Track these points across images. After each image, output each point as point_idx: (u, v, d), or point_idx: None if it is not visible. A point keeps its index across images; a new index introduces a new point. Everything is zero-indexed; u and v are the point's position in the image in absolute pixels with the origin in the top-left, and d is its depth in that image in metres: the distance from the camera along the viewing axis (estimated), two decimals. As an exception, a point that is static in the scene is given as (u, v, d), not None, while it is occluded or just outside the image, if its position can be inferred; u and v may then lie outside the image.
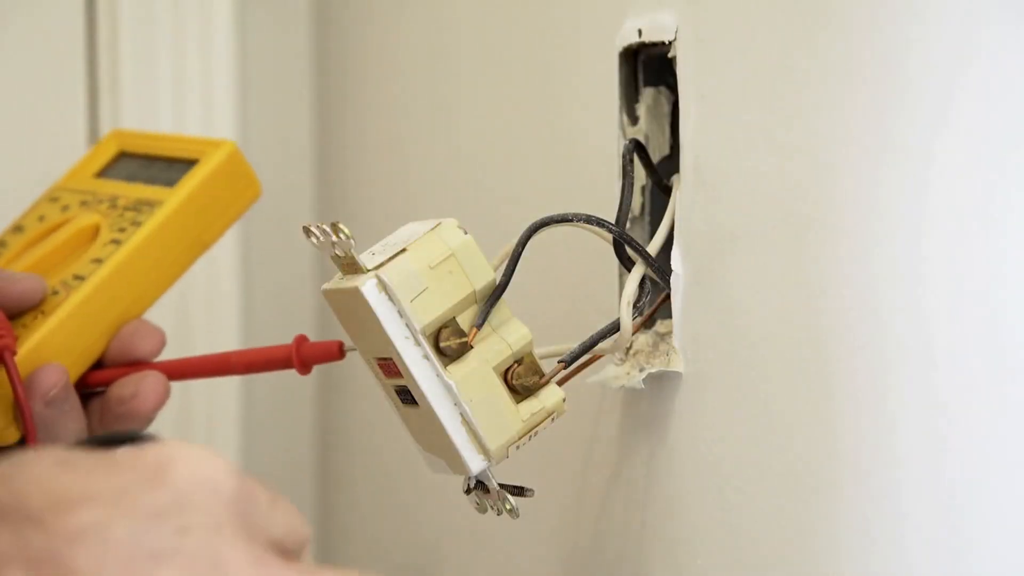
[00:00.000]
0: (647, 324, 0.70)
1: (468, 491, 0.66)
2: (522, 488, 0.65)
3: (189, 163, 0.80)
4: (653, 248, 0.67)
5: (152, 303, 0.78)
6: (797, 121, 0.59)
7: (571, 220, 0.66)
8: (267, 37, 1.18)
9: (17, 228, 0.83)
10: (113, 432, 0.50)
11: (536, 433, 0.65)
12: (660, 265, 0.67)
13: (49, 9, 1.10)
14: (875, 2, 0.55)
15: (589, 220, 0.66)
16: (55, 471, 0.44)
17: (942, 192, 0.54)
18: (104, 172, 0.84)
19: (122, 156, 0.85)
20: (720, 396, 0.64)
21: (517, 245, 0.65)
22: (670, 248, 0.67)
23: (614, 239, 0.66)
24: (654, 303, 0.69)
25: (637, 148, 0.68)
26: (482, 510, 0.66)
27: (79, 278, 0.76)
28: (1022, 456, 0.53)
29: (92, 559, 0.43)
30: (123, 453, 0.45)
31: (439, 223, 0.64)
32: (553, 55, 0.79)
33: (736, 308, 0.63)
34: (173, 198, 0.77)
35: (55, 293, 0.76)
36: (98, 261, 0.76)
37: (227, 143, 0.80)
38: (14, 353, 0.72)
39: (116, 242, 0.76)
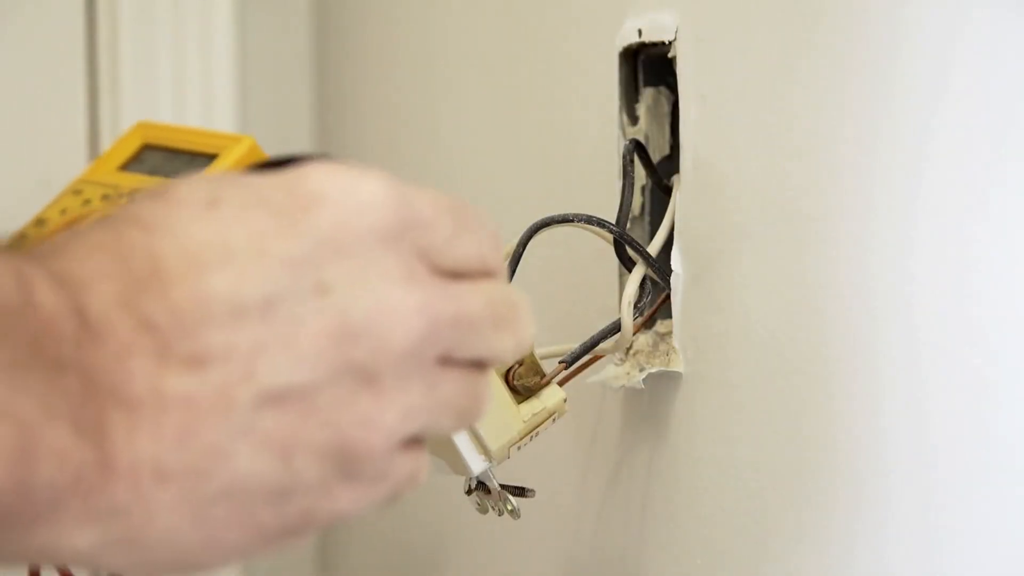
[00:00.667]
0: (647, 324, 0.70)
1: (469, 492, 0.66)
2: (523, 488, 0.65)
3: (209, 158, 0.80)
4: (653, 248, 0.67)
5: None
6: (797, 121, 0.59)
7: (572, 220, 0.66)
8: (267, 37, 1.18)
9: (39, 222, 0.83)
10: (284, 155, 0.48)
11: (537, 434, 0.65)
12: (660, 265, 0.67)
13: (49, 9, 1.10)
14: (875, 2, 0.56)
15: (590, 220, 0.66)
16: (198, 220, 0.43)
17: (941, 192, 0.54)
18: (127, 165, 0.84)
19: (146, 149, 0.84)
20: (720, 396, 0.64)
21: (518, 246, 0.65)
22: (670, 248, 0.67)
23: (615, 239, 0.66)
24: (655, 303, 0.69)
25: (637, 148, 0.68)
26: (483, 511, 0.66)
27: None
28: (1007, 457, 0.53)
29: (218, 334, 0.42)
30: (273, 186, 0.44)
31: None
32: (553, 55, 0.79)
33: (736, 308, 0.63)
34: None
35: None
36: None
37: (246, 139, 0.80)
38: None
39: None
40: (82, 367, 0.40)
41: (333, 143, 1.16)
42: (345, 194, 0.44)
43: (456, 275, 0.45)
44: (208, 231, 0.42)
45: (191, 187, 0.44)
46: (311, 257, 0.43)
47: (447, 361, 0.45)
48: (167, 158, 0.83)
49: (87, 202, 0.81)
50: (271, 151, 1.23)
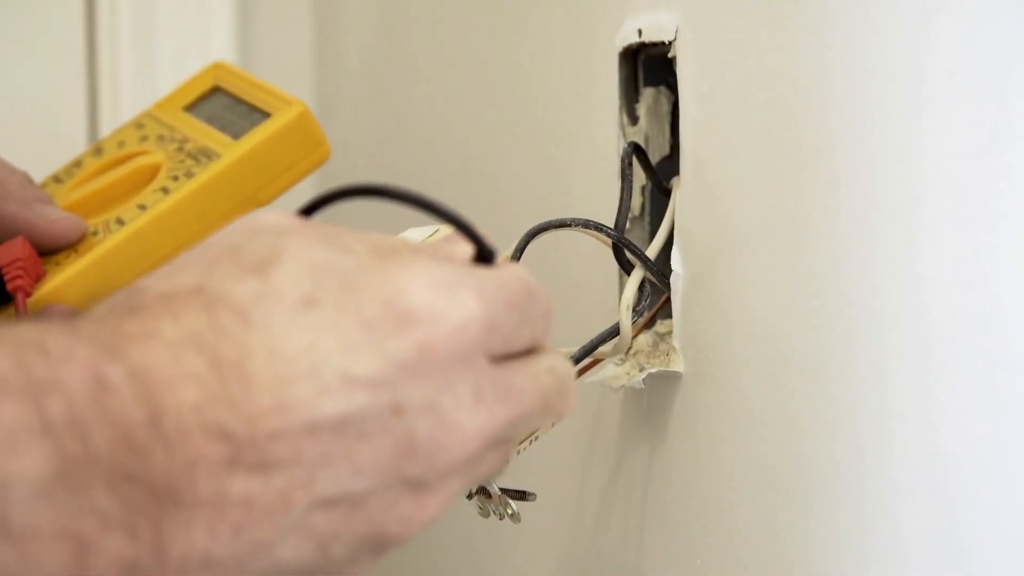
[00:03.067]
0: (648, 324, 0.70)
1: (470, 496, 0.66)
2: (524, 492, 0.65)
3: (262, 116, 0.79)
4: (652, 251, 0.67)
5: None
6: (797, 121, 0.59)
7: (569, 225, 0.66)
8: (267, 37, 1.18)
9: (97, 150, 0.82)
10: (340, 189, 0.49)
11: (537, 438, 0.65)
12: (659, 268, 0.67)
13: (49, 9, 1.10)
14: (875, 2, 0.55)
15: (587, 224, 0.66)
16: (293, 322, 0.43)
17: (942, 191, 0.54)
18: (192, 107, 0.83)
19: (214, 91, 0.84)
20: (720, 396, 0.64)
21: (515, 251, 0.65)
22: (670, 250, 0.67)
23: (613, 243, 0.66)
24: (654, 306, 0.69)
25: (636, 151, 0.68)
26: (484, 515, 0.66)
27: (120, 222, 0.74)
28: (1015, 456, 0.53)
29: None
30: (371, 295, 0.44)
31: (438, 229, 0.64)
32: (553, 55, 0.79)
33: (736, 308, 0.63)
34: (231, 153, 0.76)
35: (95, 234, 0.74)
36: (142, 207, 0.75)
37: (298, 102, 0.79)
38: (28, 295, 0.70)
39: (165, 190, 0.75)
40: (149, 478, 0.41)
41: (333, 144, 1.16)
42: (439, 318, 0.45)
43: (510, 356, 0.48)
44: (301, 336, 0.43)
45: (292, 275, 0.44)
46: (392, 380, 0.44)
47: (492, 447, 0.47)
48: (228, 106, 0.82)
49: (144, 139, 0.80)
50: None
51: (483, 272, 0.47)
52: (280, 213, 0.48)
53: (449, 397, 0.45)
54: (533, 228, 0.66)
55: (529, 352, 0.48)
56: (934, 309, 0.54)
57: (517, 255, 0.65)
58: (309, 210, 0.50)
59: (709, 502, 0.65)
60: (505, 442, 0.48)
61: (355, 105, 1.11)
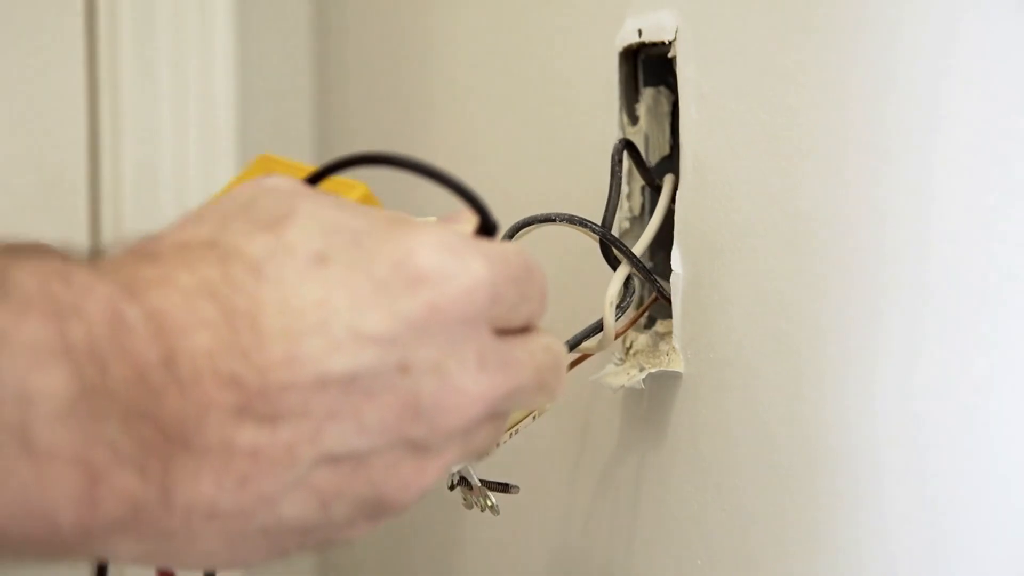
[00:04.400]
0: (647, 324, 0.70)
1: (452, 487, 0.66)
2: (507, 484, 0.65)
3: None
4: (640, 248, 0.67)
5: None
6: (797, 121, 0.59)
7: (554, 220, 0.66)
8: (267, 38, 1.18)
9: None
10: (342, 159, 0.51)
11: (517, 431, 0.65)
12: (644, 264, 0.67)
13: (49, 9, 1.10)
14: (875, 2, 0.56)
15: (572, 220, 0.66)
16: (306, 277, 0.44)
17: (943, 191, 0.54)
18: None
19: None
20: (720, 396, 0.64)
21: (520, 245, 0.65)
22: (667, 248, 0.67)
23: (600, 240, 0.66)
24: (643, 303, 0.69)
25: (627, 148, 0.68)
26: (468, 506, 0.66)
27: None
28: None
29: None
30: (382, 253, 0.45)
31: (433, 220, 0.64)
32: (553, 55, 0.79)
33: (736, 308, 0.63)
34: None
35: None
36: None
37: (360, 186, 0.80)
38: None
39: None
40: (161, 418, 0.41)
41: (333, 143, 1.16)
42: (448, 279, 0.45)
43: (509, 332, 0.48)
44: (312, 291, 0.44)
45: (305, 233, 0.45)
46: (400, 339, 0.44)
47: (488, 418, 0.48)
48: None
49: None
50: (271, 150, 1.24)
51: (488, 243, 0.47)
52: (286, 177, 0.48)
53: (455, 360, 0.45)
54: (518, 223, 0.66)
55: (525, 330, 0.49)
56: (933, 309, 0.54)
57: None
58: (316, 178, 0.51)
59: (709, 502, 0.65)
60: (500, 416, 0.48)
61: (355, 105, 1.11)
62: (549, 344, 0.50)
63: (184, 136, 1.12)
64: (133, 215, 1.10)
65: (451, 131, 0.94)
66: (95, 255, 0.44)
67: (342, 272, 0.44)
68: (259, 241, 0.44)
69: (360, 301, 0.44)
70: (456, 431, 0.46)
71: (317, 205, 0.46)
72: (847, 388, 0.57)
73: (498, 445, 0.64)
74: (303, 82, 1.19)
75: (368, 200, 0.79)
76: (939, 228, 0.54)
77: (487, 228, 0.50)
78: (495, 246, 0.47)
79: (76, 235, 1.10)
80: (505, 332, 0.48)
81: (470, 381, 0.46)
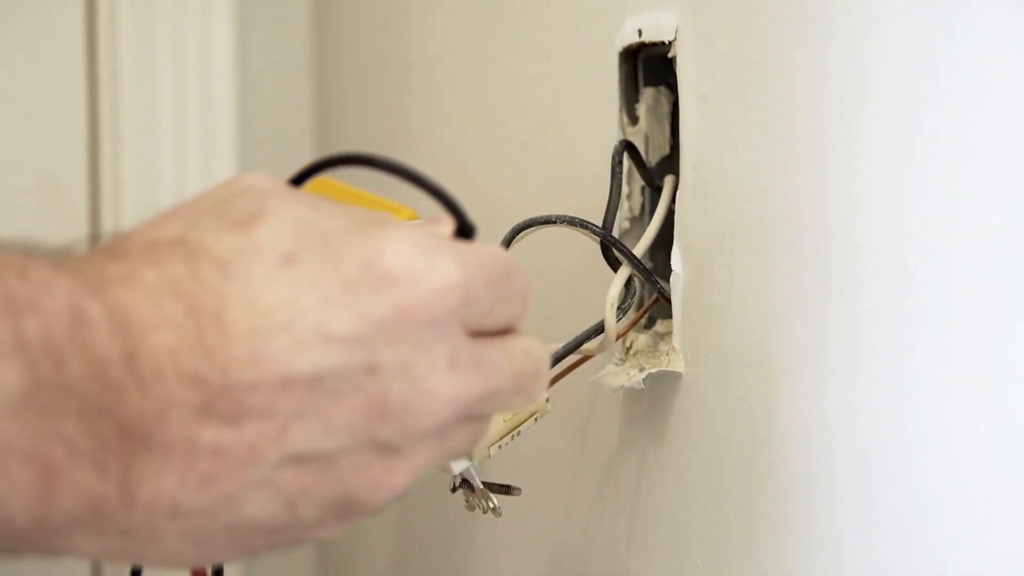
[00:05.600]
0: (647, 324, 0.70)
1: (454, 489, 0.66)
2: (509, 487, 0.65)
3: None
4: (641, 250, 0.67)
5: None
6: (797, 121, 0.59)
7: (555, 221, 0.66)
8: (267, 37, 1.18)
9: None
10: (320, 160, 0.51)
11: (519, 433, 0.65)
12: (644, 266, 0.67)
13: (49, 9, 1.10)
14: (875, 2, 0.55)
15: (572, 222, 0.66)
16: (273, 277, 0.43)
17: (943, 190, 0.54)
18: None
19: None
20: (720, 396, 0.64)
21: (501, 247, 0.65)
22: (667, 248, 0.67)
23: (601, 241, 0.66)
24: (643, 304, 0.69)
25: (627, 149, 0.68)
26: (471, 508, 0.66)
27: None
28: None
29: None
30: (350, 253, 0.45)
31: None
32: (553, 55, 0.79)
33: (736, 308, 0.63)
34: None
35: None
36: None
37: (406, 210, 0.80)
38: None
39: None
40: (121, 415, 0.41)
41: (333, 143, 1.16)
42: (417, 281, 0.45)
43: (485, 333, 0.48)
44: (279, 291, 0.43)
45: (273, 232, 0.44)
46: (368, 339, 0.44)
47: (463, 420, 0.47)
48: None
49: None
50: (271, 152, 1.23)
51: (463, 245, 0.47)
52: (265, 175, 0.48)
53: (424, 361, 0.45)
54: (518, 224, 0.66)
55: (504, 332, 0.49)
56: (933, 309, 0.54)
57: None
58: (298, 180, 0.51)
59: (709, 502, 0.65)
60: (477, 418, 0.48)
61: (355, 105, 1.11)
62: (528, 347, 0.49)
63: (184, 136, 1.12)
64: (133, 215, 1.10)
65: (451, 131, 0.94)
66: (60, 252, 0.43)
67: (310, 272, 0.44)
68: (228, 239, 0.44)
69: (328, 301, 0.43)
70: (427, 432, 0.45)
71: (289, 204, 0.46)
72: (848, 388, 0.57)
73: (499, 447, 0.64)
74: (303, 82, 1.19)
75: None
76: (943, 227, 0.54)
77: (464, 230, 0.49)
78: (470, 247, 0.47)
79: (76, 235, 1.10)
80: (482, 334, 0.48)
81: (440, 383, 0.45)
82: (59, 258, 0.43)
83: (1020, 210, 0.52)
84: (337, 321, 0.43)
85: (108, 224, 1.11)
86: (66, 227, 1.10)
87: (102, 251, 0.44)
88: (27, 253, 0.42)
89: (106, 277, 0.42)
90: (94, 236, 1.11)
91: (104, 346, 0.41)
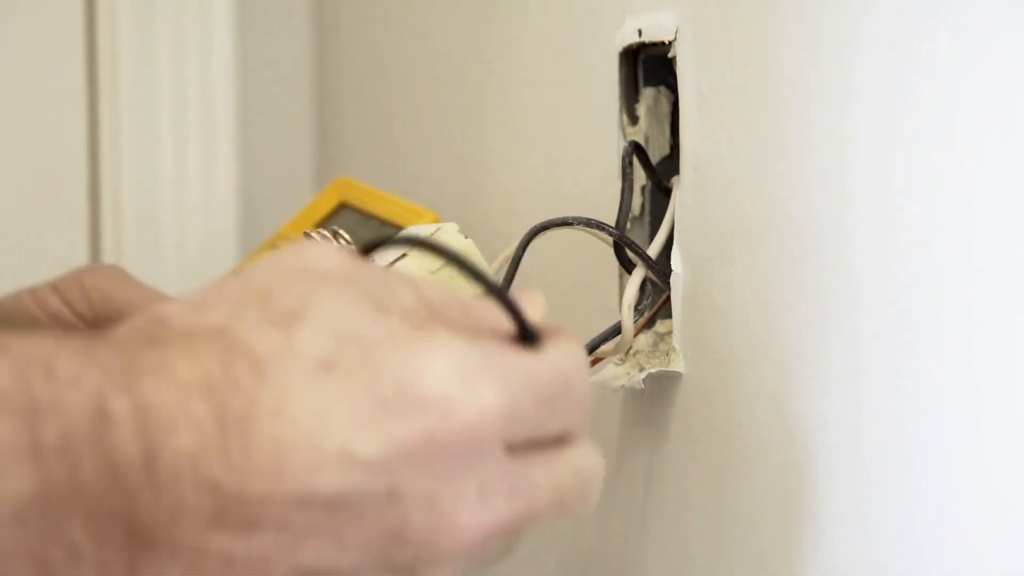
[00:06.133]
0: (648, 324, 0.70)
1: None
2: None
3: (395, 229, 0.80)
4: (653, 251, 0.67)
5: None
6: (797, 121, 0.59)
7: (571, 224, 0.66)
8: (267, 37, 1.18)
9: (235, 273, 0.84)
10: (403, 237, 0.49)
11: None
12: (660, 267, 0.67)
13: (49, 9, 1.10)
14: (874, 1, 0.55)
15: (589, 223, 0.66)
16: (306, 384, 0.42)
17: (943, 190, 0.54)
18: (322, 225, 0.85)
19: (343, 208, 0.85)
20: (720, 396, 0.64)
21: (517, 249, 0.65)
22: (667, 248, 0.67)
23: (614, 242, 0.66)
24: (655, 305, 0.69)
25: (636, 150, 0.68)
26: None
27: None
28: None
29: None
30: (390, 368, 0.43)
31: (439, 227, 0.64)
32: (553, 55, 0.79)
33: (736, 308, 0.63)
34: None
35: None
36: None
37: (428, 214, 0.80)
38: None
39: None
40: (130, 517, 0.40)
41: (333, 143, 1.16)
42: (450, 409, 0.43)
43: (537, 444, 0.46)
44: (310, 401, 0.42)
45: (316, 335, 0.43)
46: (392, 465, 0.42)
47: (493, 540, 0.45)
48: (359, 222, 0.83)
49: None
50: (271, 152, 1.23)
51: (517, 359, 0.45)
52: (324, 251, 0.46)
53: (449, 492, 0.43)
54: (535, 227, 0.66)
55: (558, 441, 0.46)
56: (934, 309, 0.54)
57: (519, 253, 0.65)
58: (363, 252, 0.49)
59: (709, 502, 0.65)
60: (511, 534, 0.46)
61: (355, 105, 1.11)
62: (580, 464, 0.47)
63: (184, 136, 1.12)
64: (133, 215, 1.10)
65: (450, 131, 0.94)
66: (95, 336, 0.42)
67: (345, 383, 0.42)
68: (268, 337, 0.43)
69: (357, 419, 0.42)
70: (448, 558, 0.44)
71: (338, 301, 0.44)
72: (849, 388, 0.57)
73: None
74: (303, 82, 1.19)
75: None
76: (943, 227, 0.54)
77: (526, 336, 0.46)
78: (526, 362, 0.45)
79: (76, 235, 1.10)
80: (532, 445, 0.46)
81: (466, 514, 0.44)
82: (92, 345, 0.42)
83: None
84: (363, 443, 0.42)
85: (108, 224, 1.10)
86: (66, 227, 1.10)
87: (138, 334, 0.43)
88: (59, 340, 0.41)
89: (139, 368, 0.41)
90: (94, 235, 1.11)
91: (124, 447, 0.40)
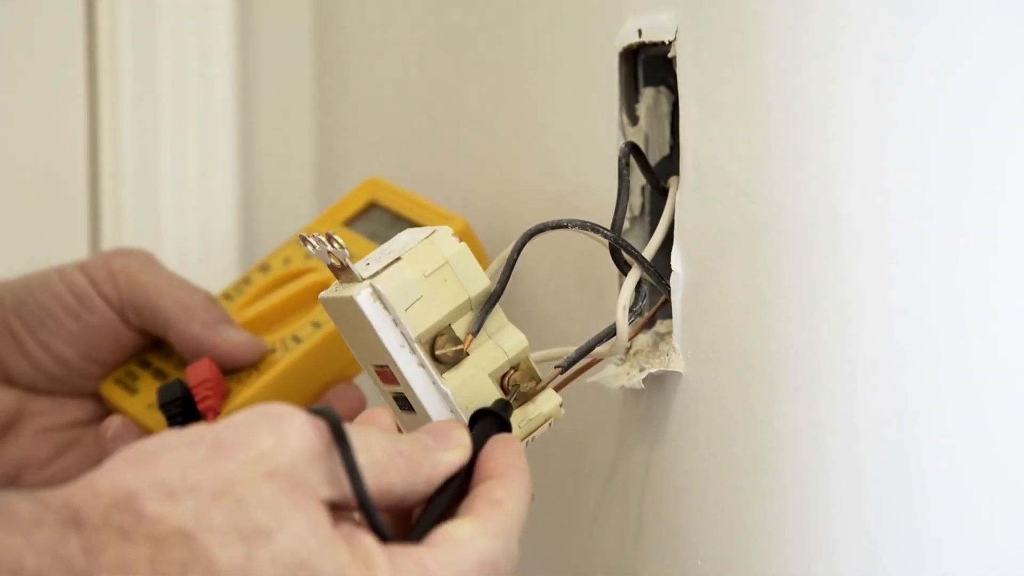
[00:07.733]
0: (647, 324, 0.70)
1: None
2: None
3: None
4: (650, 252, 0.67)
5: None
6: (797, 121, 0.59)
7: (566, 226, 0.66)
8: (267, 37, 1.18)
9: (263, 267, 0.85)
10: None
11: (533, 438, 0.65)
12: (656, 269, 0.67)
13: (49, 9, 1.10)
14: (874, 1, 0.55)
15: (584, 226, 0.66)
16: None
17: (943, 190, 0.54)
18: (352, 222, 0.85)
19: (372, 207, 0.86)
20: (720, 396, 0.64)
21: (512, 252, 0.65)
22: (669, 249, 0.67)
23: (610, 244, 0.66)
24: (652, 306, 0.69)
25: (633, 151, 0.68)
26: None
27: (297, 340, 0.78)
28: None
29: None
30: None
31: (434, 231, 0.64)
32: (553, 55, 0.79)
33: (736, 308, 0.63)
34: None
35: (273, 351, 0.78)
36: (317, 325, 0.78)
37: (458, 219, 0.81)
38: (217, 414, 0.74)
39: None
40: None
41: (333, 143, 1.16)
42: None
43: None
44: None
45: (272, 560, 0.47)
46: None
47: None
48: (388, 222, 0.84)
49: (308, 255, 0.82)
50: (271, 153, 1.23)
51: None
52: (295, 440, 0.50)
53: None
54: (530, 229, 0.66)
55: None
56: (933, 310, 0.54)
57: (513, 256, 0.65)
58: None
59: (709, 502, 0.65)
60: None
61: (355, 105, 1.11)
62: None
63: (184, 136, 1.12)
64: (133, 215, 1.10)
65: (449, 132, 0.94)
66: (70, 518, 0.45)
67: None
68: (232, 552, 0.46)
69: None
70: None
71: (300, 526, 0.47)
72: (848, 388, 0.57)
73: (526, 445, 0.64)
74: (303, 82, 1.19)
75: (466, 234, 0.80)
76: (943, 227, 0.54)
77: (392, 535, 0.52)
78: None
79: (76, 235, 1.10)
80: None
81: None
82: (62, 537, 0.45)
83: None
84: None
85: (108, 224, 1.11)
86: (66, 227, 1.10)
87: (112, 525, 0.46)
88: (29, 538, 0.45)
89: (101, 567, 0.45)
90: (94, 235, 1.11)
91: None
